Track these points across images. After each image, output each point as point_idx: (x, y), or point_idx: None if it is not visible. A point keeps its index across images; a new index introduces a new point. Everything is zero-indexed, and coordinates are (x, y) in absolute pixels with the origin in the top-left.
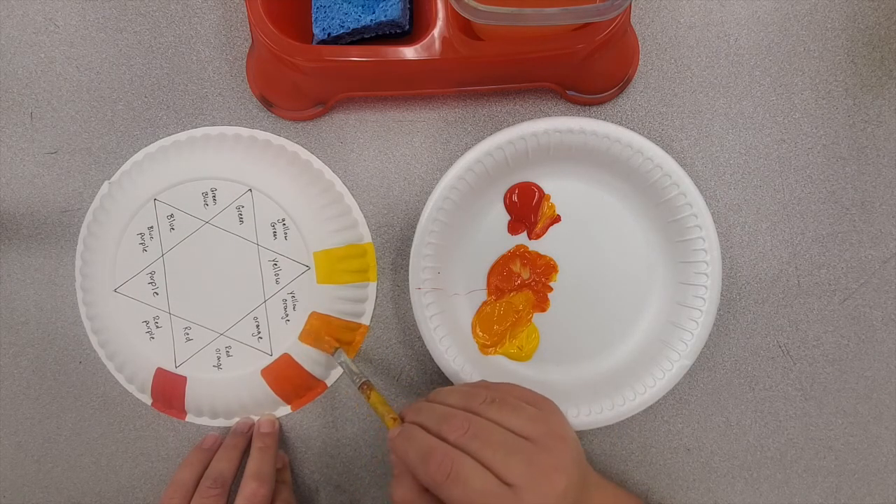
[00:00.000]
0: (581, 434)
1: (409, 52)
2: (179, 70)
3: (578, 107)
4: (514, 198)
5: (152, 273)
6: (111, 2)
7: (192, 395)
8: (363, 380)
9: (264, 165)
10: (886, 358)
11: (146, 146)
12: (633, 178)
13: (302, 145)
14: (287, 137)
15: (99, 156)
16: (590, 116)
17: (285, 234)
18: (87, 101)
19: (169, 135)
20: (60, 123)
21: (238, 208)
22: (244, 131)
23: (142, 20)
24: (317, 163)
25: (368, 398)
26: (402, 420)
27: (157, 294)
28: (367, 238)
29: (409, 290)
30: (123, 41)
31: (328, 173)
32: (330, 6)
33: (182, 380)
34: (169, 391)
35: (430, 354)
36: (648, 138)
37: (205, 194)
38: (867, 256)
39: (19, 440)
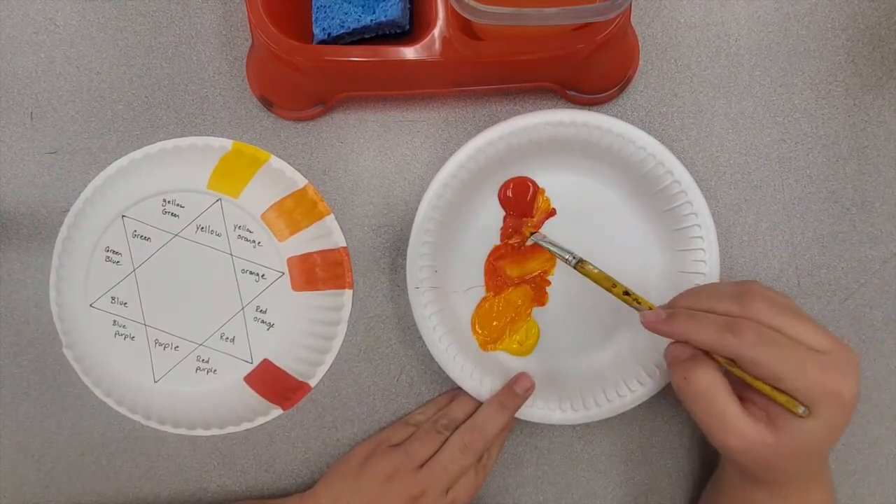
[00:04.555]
0: (583, 430)
1: (409, 52)
2: (179, 70)
3: (579, 107)
4: (509, 193)
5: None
6: (111, 2)
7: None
8: (577, 259)
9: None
10: (886, 358)
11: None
12: (627, 169)
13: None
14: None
15: (99, 156)
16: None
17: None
18: (87, 101)
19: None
20: (60, 123)
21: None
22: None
23: (142, 20)
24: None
25: (588, 274)
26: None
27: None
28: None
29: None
30: (123, 41)
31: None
32: (330, 6)
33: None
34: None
35: (430, 353)
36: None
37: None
38: (867, 256)
39: (19, 440)
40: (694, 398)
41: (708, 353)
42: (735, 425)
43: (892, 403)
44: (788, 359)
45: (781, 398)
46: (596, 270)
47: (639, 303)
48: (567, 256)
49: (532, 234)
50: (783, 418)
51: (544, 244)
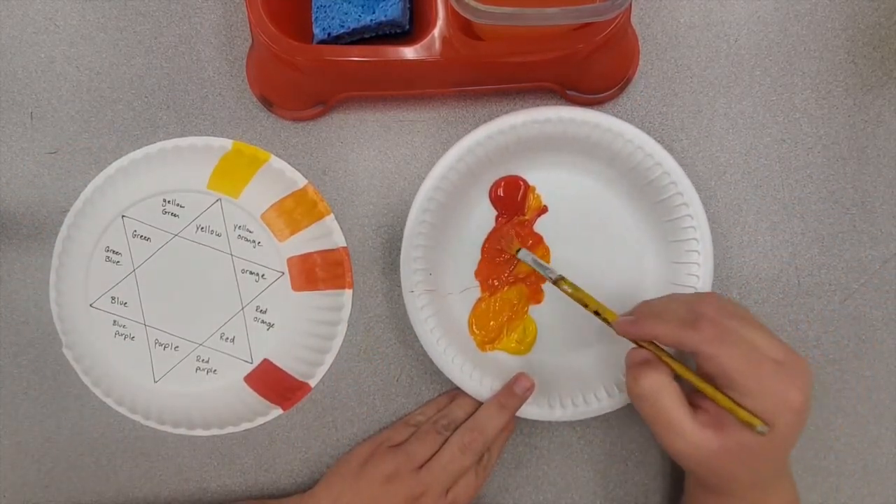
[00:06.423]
0: (583, 430)
1: (409, 52)
2: (179, 70)
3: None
4: (500, 192)
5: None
6: (111, 2)
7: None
8: (557, 275)
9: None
10: (886, 358)
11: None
12: (616, 163)
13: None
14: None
15: (99, 156)
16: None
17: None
18: (87, 101)
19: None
20: (60, 123)
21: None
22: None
23: (142, 20)
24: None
25: (566, 291)
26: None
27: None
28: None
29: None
30: (123, 41)
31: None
32: (330, 6)
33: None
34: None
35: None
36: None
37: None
38: (867, 256)
39: (19, 440)
40: (641, 399)
41: (666, 361)
42: (679, 428)
43: (891, 403)
44: (744, 359)
45: (743, 414)
46: (571, 289)
47: (608, 320)
48: (548, 274)
49: (519, 250)
50: (732, 425)
51: (529, 261)
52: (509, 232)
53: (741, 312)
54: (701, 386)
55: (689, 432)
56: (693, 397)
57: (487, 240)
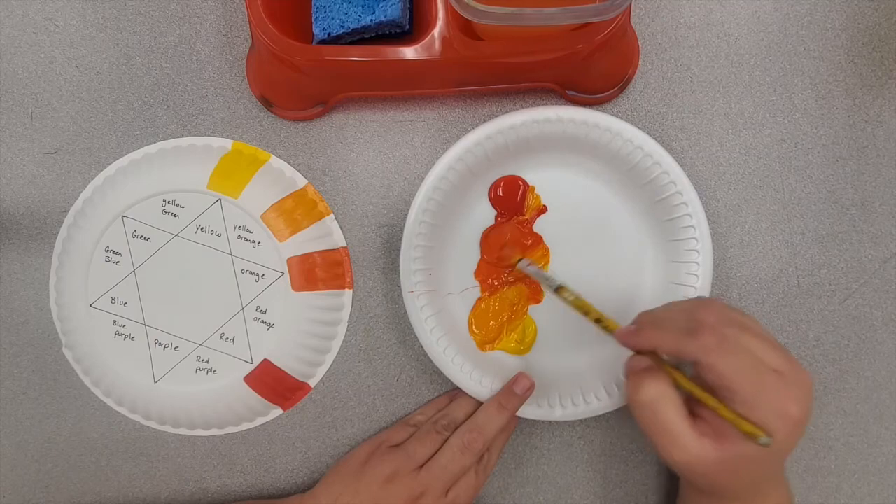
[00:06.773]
0: (583, 429)
1: (409, 52)
2: (179, 70)
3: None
4: (499, 192)
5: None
6: (111, 2)
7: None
8: (557, 284)
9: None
10: (886, 358)
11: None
12: (615, 162)
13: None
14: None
15: (99, 156)
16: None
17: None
18: (87, 101)
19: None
20: (60, 123)
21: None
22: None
23: (142, 20)
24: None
25: (567, 300)
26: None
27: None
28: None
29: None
30: (123, 41)
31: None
32: (330, 6)
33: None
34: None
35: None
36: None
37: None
38: (867, 256)
39: (19, 440)
40: (641, 407)
41: (667, 371)
42: (678, 438)
43: (892, 403)
44: (743, 369)
45: (745, 426)
46: (572, 297)
47: (609, 329)
48: (549, 283)
49: (519, 260)
50: (731, 436)
51: (530, 272)
52: (512, 242)
53: (743, 321)
54: (702, 397)
55: (687, 442)
56: (691, 406)
57: (484, 236)
